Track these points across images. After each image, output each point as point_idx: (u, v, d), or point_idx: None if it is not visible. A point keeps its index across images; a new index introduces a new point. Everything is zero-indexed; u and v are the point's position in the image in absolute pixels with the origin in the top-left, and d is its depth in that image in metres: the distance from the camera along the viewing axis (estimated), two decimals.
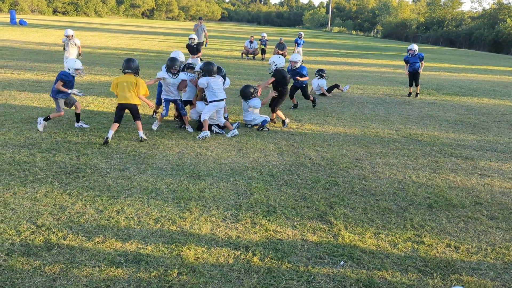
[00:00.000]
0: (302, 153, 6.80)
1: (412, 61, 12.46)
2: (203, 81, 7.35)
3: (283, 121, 8.43)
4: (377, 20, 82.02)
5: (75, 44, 12.12)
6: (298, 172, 5.95)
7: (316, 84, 12.32)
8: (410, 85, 12.87)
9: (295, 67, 9.64)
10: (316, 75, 12.40)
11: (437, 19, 65.24)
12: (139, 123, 6.85)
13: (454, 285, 3.54)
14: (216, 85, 7.38)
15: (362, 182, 5.70)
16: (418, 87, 12.82)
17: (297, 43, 20.59)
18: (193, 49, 14.18)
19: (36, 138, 6.65)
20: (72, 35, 12.00)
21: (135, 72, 6.77)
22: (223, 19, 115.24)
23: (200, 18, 19.06)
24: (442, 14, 65.63)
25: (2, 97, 9.28)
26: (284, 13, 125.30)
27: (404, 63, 13.00)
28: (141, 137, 6.84)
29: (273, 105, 8.32)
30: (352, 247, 4.04)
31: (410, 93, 12.97)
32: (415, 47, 12.63)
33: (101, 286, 3.25)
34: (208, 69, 7.37)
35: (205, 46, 20.13)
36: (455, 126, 9.39)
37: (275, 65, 8.15)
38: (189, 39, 13.98)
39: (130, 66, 6.72)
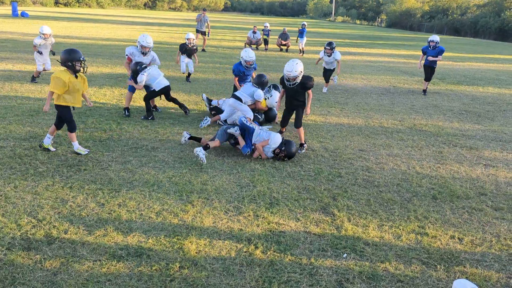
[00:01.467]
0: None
1: (430, 54, 11.27)
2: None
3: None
4: (382, 9, 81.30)
5: (51, 44, 10.29)
6: (301, 164, 5.90)
7: (333, 58, 10.78)
8: (426, 79, 11.72)
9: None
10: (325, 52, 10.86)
11: (442, 7, 64.55)
12: (71, 135, 5.64)
13: (458, 277, 3.50)
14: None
15: (365, 174, 5.65)
16: (428, 82, 11.75)
17: (301, 33, 20.43)
18: (192, 51, 11.45)
19: (37, 131, 6.62)
20: (50, 34, 10.06)
21: (65, 65, 5.30)
22: (226, 9, 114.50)
23: (204, 9, 19.01)
24: (447, 3, 64.91)
25: (4, 89, 9.25)
26: (287, 3, 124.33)
27: (420, 54, 11.96)
28: (75, 150, 5.74)
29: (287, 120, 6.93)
30: (355, 239, 4.01)
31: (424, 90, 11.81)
32: (437, 38, 11.24)
33: (102, 280, 3.23)
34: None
35: (208, 36, 20.08)
36: (460, 116, 9.30)
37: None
38: (187, 39, 11.29)
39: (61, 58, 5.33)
